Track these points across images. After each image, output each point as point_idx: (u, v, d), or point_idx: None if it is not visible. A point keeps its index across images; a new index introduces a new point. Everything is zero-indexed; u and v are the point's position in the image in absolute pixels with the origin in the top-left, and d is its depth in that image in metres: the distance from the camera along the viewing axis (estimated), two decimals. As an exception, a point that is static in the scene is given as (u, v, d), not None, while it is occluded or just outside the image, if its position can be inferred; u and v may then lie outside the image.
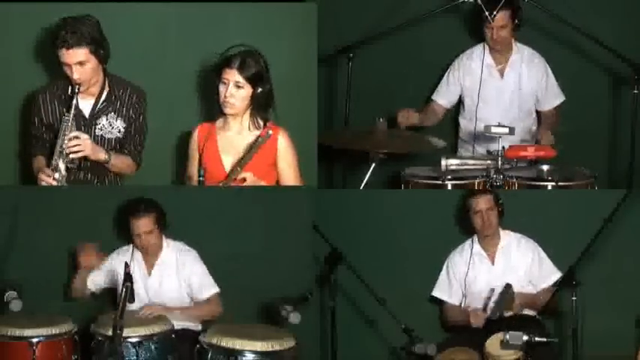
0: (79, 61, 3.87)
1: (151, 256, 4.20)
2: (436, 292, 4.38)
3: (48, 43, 3.97)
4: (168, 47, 4.42)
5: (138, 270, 4.16)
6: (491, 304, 3.86)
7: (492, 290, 4.11)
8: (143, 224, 4.10)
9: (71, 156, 3.87)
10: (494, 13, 4.37)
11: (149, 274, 4.18)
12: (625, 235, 4.18)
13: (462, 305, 4.27)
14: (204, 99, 4.34)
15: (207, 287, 4.17)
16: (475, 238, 4.30)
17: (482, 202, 4.17)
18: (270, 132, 3.89)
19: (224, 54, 3.90)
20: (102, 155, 3.97)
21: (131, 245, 4.21)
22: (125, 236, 4.29)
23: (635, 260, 4.32)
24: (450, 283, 4.33)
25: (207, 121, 4.09)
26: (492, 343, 3.81)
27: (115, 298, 4.18)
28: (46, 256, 4.36)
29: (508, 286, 3.99)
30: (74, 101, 3.91)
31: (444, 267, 4.36)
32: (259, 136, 3.89)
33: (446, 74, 4.76)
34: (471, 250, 4.27)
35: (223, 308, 4.18)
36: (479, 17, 4.49)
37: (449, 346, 3.97)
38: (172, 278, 4.17)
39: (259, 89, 3.90)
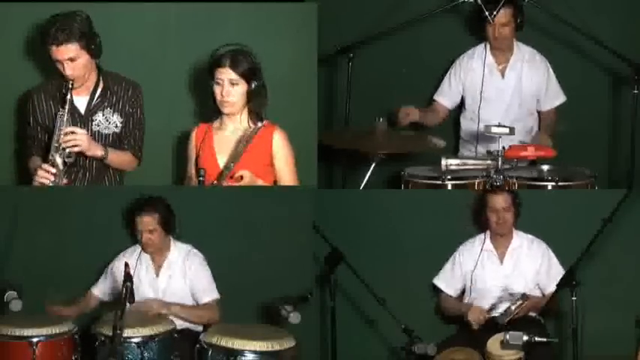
0: (70, 57, 3.87)
1: (158, 257, 4.19)
2: (436, 281, 4.36)
3: (39, 41, 3.96)
4: (168, 48, 4.42)
5: (145, 271, 4.17)
6: (503, 311, 3.84)
7: (508, 294, 4.09)
8: (146, 222, 4.09)
9: (67, 150, 3.85)
10: (495, 13, 4.38)
11: (157, 275, 4.17)
12: (625, 235, 4.18)
13: (466, 300, 4.23)
14: (204, 100, 4.34)
15: (208, 292, 4.15)
16: (487, 234, 4.27)
17: (501, 201, 4.12)
18: (260, 124, 3.89)
19: (213, 54, 3.89)
20: (98, 151, 3.95)
21: (138, 245, 4.20)
22: (125, 236, 4.29)
23: (635, 260, 4.32)
24: (453, 274, 4.30)
25: (205, 121, 4.09)
26: (493, 343, 3.81)
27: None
28: (46, 256, 4.36)
29: (524, 297, 3.96)
30: (68, 96, 3.90)
31: (451, 258, 4.32)
32: (247, 131, 3.90)
33: (447, 74, 4.76)
34: (482, 246, 4.25)
35: (223, 309, 4.16)
36: (479, 17, 4.49)
37: (449, 346, 3.97)
38: (179, 280, 4.16)
39: (254, 84, 3.89)
